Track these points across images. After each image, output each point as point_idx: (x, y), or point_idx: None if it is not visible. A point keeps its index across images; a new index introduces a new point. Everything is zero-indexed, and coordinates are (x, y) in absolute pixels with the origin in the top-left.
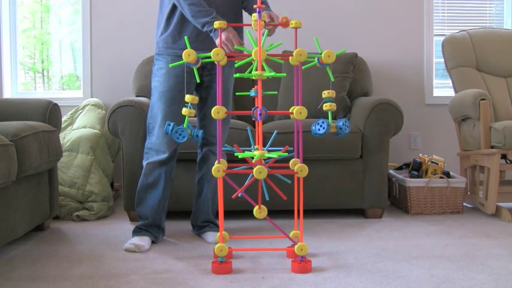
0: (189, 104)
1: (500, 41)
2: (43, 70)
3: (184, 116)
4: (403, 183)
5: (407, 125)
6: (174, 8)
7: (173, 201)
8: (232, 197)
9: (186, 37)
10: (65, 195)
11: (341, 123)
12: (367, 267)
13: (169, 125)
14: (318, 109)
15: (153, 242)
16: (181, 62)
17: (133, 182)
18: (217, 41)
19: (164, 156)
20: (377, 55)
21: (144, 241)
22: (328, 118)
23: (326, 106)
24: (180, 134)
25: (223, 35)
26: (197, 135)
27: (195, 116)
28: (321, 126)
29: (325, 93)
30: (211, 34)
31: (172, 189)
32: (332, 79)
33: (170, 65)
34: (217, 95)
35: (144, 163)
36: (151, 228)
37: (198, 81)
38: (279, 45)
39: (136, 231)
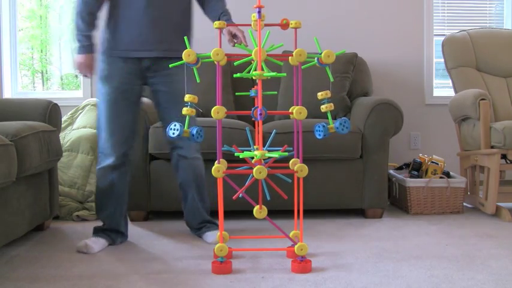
0: (189, 103)
1: (500, 41)
2: (42, 71)
3: (129, 118)
4: (403, 183)
5: (407, 125)
6: (112, 8)
7: (171, 201)
8: (233, 198)
9: (185, 37)
10: (65, 195)
11: (338, 124)
12: (367, 267)
13: (174, 128)
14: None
15: (110, 244)
16: (181, 62)
17: (132, 182)
18: (75, 60)
19: (112, 159)
20: (377, 55)
21: (96, 243)
22: (328, 118)
23: (324, 108)
24: (199, 134)
25: (81, 59)
26: (193, 135)
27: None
28: (319, 130)
29: (320, 95)
30: (73, 51)
31: (169, 189)
32: (331, 79)
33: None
34: (217, 95)
35: (97, 168)
36: (109, 232)
37: (198, 81)
38: (280, 46)
39: (95, 232)
